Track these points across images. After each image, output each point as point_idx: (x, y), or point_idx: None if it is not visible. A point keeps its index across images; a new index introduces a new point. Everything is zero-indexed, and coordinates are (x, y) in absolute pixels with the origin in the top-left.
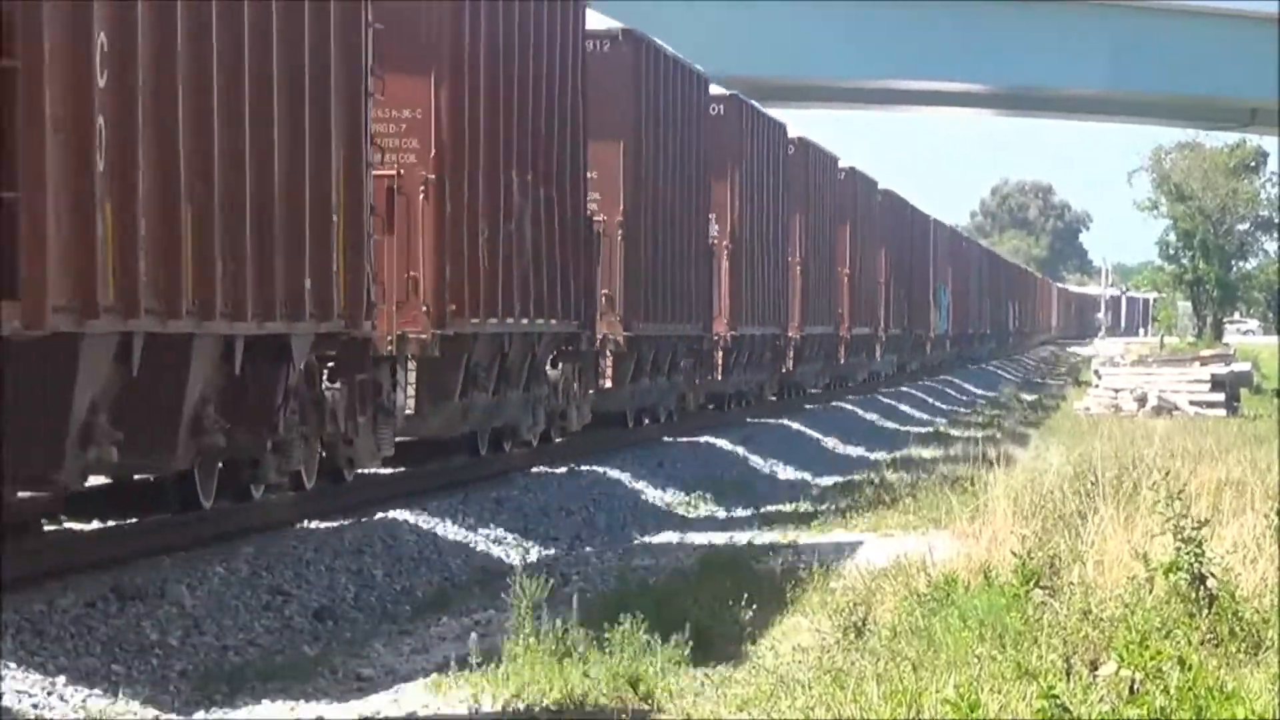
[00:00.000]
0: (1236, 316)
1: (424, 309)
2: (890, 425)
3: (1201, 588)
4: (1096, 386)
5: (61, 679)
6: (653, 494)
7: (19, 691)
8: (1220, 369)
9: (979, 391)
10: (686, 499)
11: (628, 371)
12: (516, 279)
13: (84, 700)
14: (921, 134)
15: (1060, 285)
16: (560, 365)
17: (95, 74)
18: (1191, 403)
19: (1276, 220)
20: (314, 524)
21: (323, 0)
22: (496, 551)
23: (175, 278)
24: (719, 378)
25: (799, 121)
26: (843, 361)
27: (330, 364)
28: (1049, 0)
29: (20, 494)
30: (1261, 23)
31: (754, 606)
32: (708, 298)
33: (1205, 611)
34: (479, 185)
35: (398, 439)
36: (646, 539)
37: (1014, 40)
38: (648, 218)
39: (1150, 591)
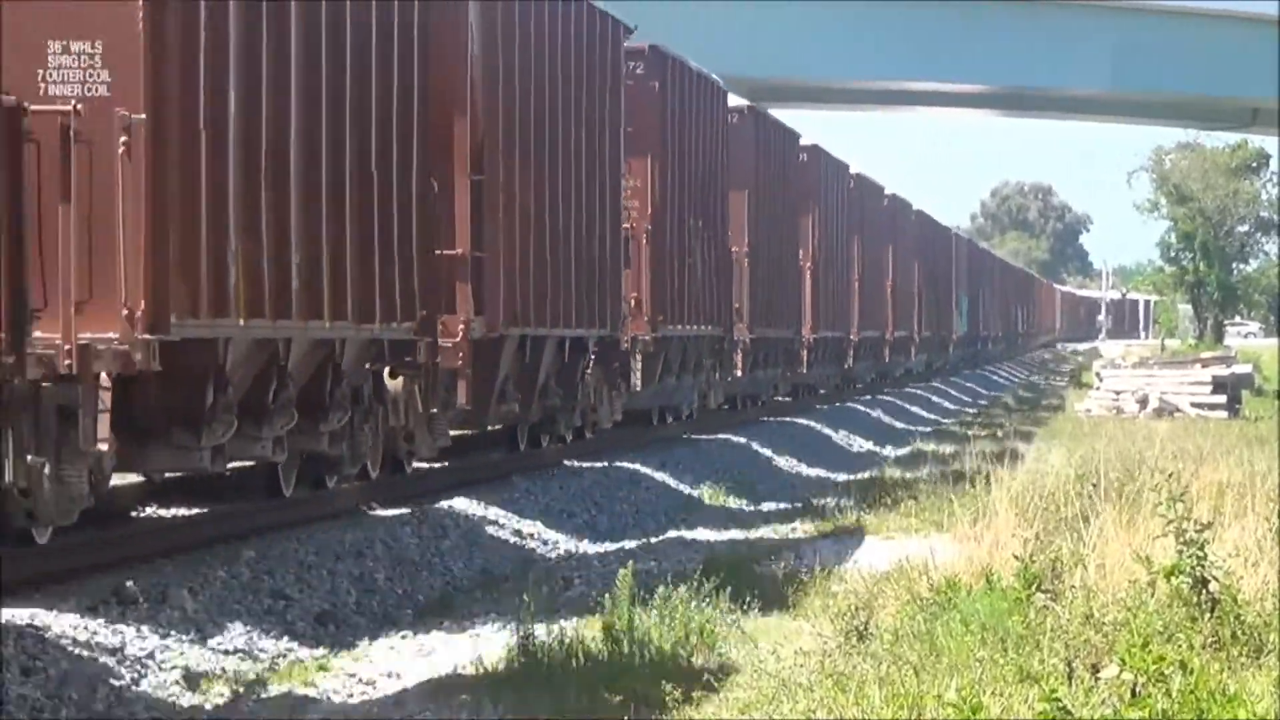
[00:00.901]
0: (1237, 319)
1: (645, 318)
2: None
3: (1203, 591)
4: (1098, 388)
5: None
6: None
7: (20, 695)
8: (1221, 371)
9: (987, 391)
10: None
11: (748, 364)
12: (690, 296)
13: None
14: (921, 135)
15: (1064, 289)
16: (705, 359)
17: (515, 178)
18: (1193, 404)
19: (1277, 221)
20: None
21: (612, 110)
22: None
23: (543, 300)
24: (804, 371)
25: (799, 123)
26: (887, 360)
27: (592, 355)
28: (1049, 0)
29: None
30: (1262, 23)
31: None
32: (797, 308)
33: (1207, 615)
34: (673, 231)
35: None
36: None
37: (1014, 41)
38: (762, 249)
39: (1152, 595)
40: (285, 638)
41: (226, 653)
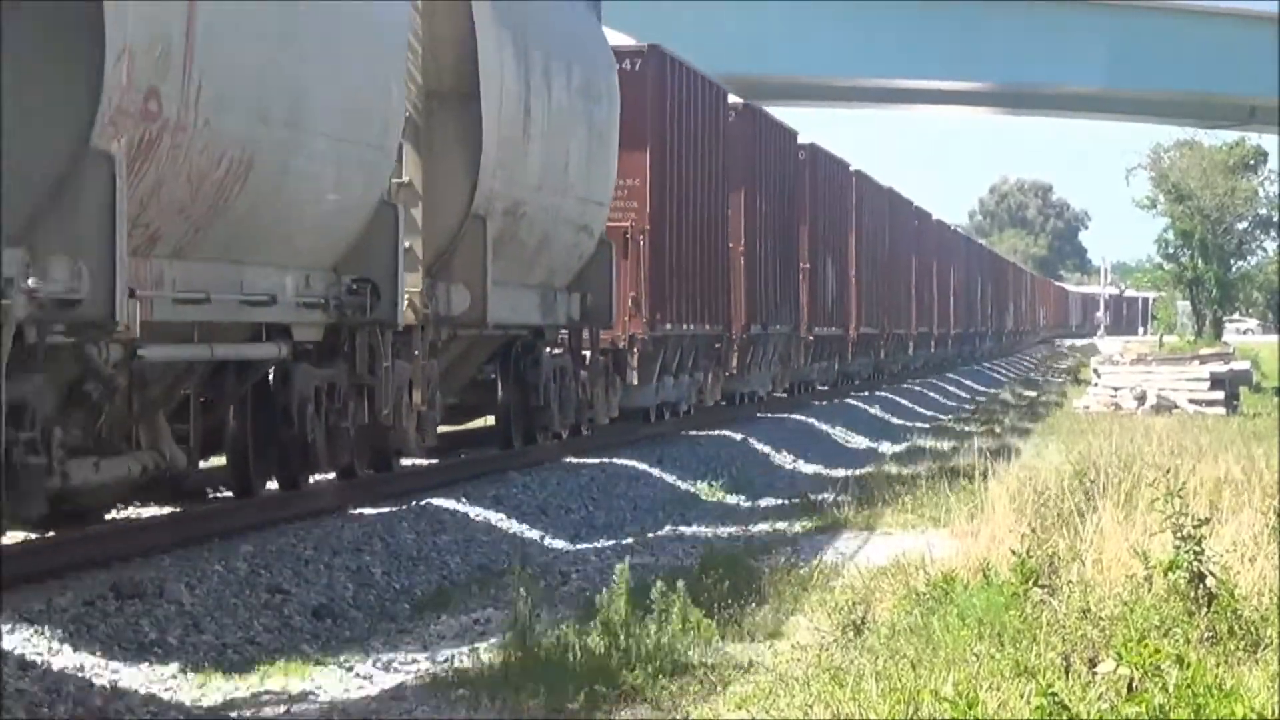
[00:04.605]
0: (1235, 315)
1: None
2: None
3: (1200, 586)
4: (1096, 385)
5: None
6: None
7: (18, 690)
8: (1219, 367)
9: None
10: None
11: (863, 352)
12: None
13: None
14: (920, 132)
15: (1074, 289)
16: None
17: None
18: (1191, 401)
19: (1276, 219)
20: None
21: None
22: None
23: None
24: (883, 358)
25: (798, 120)
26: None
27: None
28: None
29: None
30: (1260, 21)
31: None
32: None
33: (1204, 610)
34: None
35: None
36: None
37: (1012, 38)
38: (866, 273)
39: (1149, 590)
40: None
41: None
